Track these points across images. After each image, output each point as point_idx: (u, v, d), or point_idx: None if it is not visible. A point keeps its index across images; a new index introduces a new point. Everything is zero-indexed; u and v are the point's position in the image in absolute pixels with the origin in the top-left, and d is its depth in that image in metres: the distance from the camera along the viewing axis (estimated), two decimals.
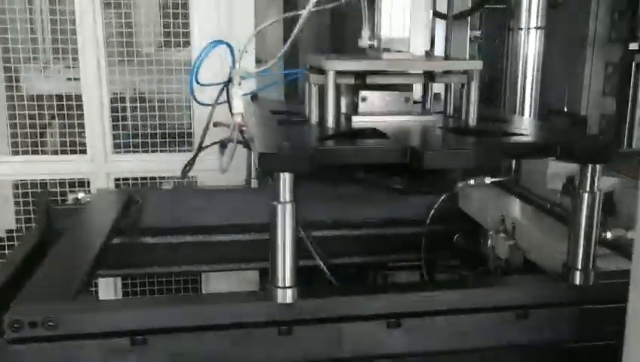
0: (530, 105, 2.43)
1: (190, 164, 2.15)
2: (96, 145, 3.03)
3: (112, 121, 3.05)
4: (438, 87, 2.14)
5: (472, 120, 1.75)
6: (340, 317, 1.41)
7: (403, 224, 2.37)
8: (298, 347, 1.41)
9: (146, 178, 3.10)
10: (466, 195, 2.30)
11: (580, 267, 1.49)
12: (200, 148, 2.02)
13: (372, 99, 1.84)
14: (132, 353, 1.35)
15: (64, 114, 3.05)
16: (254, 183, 2.42)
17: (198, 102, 1.99)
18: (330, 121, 1.67)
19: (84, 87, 2.98)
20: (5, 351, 1.30)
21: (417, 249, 2.33)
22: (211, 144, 2.19)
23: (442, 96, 1.98)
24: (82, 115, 3.02)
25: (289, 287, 1.39)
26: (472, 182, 2.21)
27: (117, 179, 3.10)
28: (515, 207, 2.07)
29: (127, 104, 3.13)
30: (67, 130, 3.07)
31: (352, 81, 1.75)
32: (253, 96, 2.36)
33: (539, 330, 1.47)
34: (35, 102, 2.99)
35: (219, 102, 1.90)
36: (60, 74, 3.11)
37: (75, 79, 3.03)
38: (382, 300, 1.44)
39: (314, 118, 1.77)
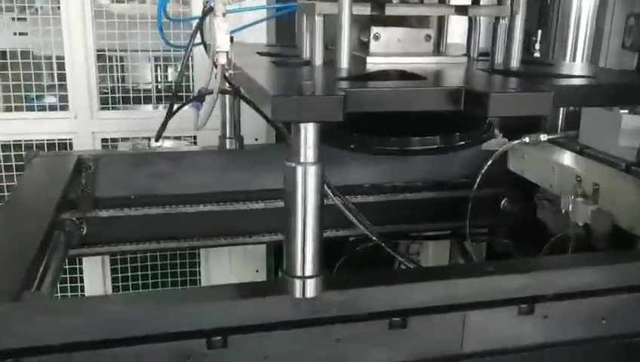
0: (582, 59, 2.11)
1: (164, 124, 1.76)
2: (80, 100, 2.59)
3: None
4: None
5: (516, 61, 1.41)
6: (380, 313, 1.07)
7: (445, 188, 2.16)
8: (321, 350, 1.07)
9: (138, 138, 2.67)
10: (518, 155, 2.05)
11: None
12: (172, 108, 1.63)
13: (387, 37, 1.49)
14: None
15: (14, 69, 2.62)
16: (230, 144, 2.04)
17: (168, 43, 1.60)
18: (344, 61, 1.30)
19: (65, 37, 2.54)
20: None
21: (459, 215, 2.07)
22: (187, 102, 1.80)
23: None
24: (40, 64, 2.59)
25: (311, 277, 1.04)
26: (526, 139, 1.93)
27: (104, 140, 2.65)
28: (591, 168, 1.81)
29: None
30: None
31: (367, 10, 1.39)
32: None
33: None
34: None
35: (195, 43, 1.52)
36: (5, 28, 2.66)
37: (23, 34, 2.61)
38: (427, 289, 1.12)
39: (318, 59, 1.39)
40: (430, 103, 1.06)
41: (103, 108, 2.65)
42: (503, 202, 2.22)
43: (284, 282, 1.05)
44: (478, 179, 2.07)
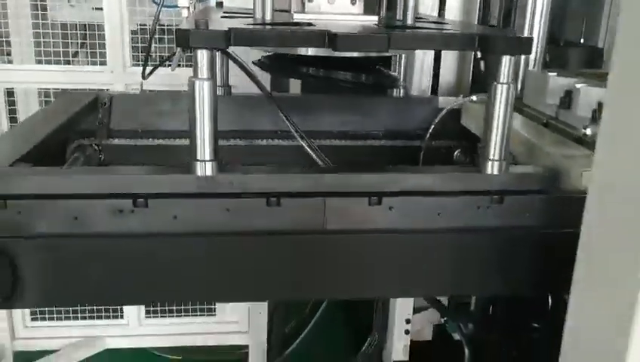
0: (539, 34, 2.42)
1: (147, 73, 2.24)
2: (116, 57, 3.16)
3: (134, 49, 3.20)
4: None
5: (410, 19, 1.78)
6: (260, 193, 1.50)
7: (405, 137, 2.50)
8: (216, 216, 1.50)
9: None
10: (468, 111, 2.39)
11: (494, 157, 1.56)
12: (147, 59, 2.10)
13: (318, 0, 1.89)
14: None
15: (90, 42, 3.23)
16: (220, 91, 2.48)
17: (154, 2, 2.05)
18: (268, 14, 1.72)
19: (105, 10, 3.10)
20: None
21: (416, 163, 2.42)
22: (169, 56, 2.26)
23: None
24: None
25: (209, 161, 1.48)
26: (474, 98, 2.30)
27: None
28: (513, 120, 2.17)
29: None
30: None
31: None
32: (218, 4, 2.40)
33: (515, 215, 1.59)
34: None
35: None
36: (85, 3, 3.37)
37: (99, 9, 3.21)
38: (298, 179, 1.53)
39: (258, 13, 1.81)
40: (300, 42, 1.47)
41: (134, 65, 3.18)
42: (456, 153, 2.56)
43: (191, 164, 1.49)
44: (430, 130, 2.44)
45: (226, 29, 1.39)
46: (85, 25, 3.45)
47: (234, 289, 1.56)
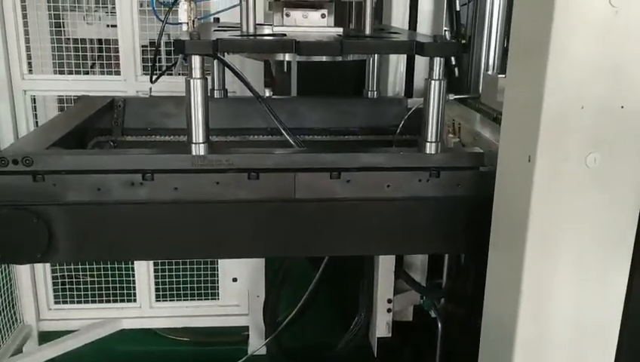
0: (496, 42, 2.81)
1: (157, 75, 2.64)
2: (129, 67, 3.58)
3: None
4: None
5: (368, 30, 2.17)
6: (243, 168, 1.88)
7: (379, 133, 2.85)
8: (208, 187, 1.89)
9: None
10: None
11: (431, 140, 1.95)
12: (154, 65, 2.50)
13: (294, 15, 2.28)
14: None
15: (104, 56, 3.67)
16: (218, 94, 2.88)
17: (159, 19, 2.46)
18: (251, 27, 2.11)
19: (119, 18, 3.53)
20: None
21: None
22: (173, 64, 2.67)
23: None
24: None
25: (202, 143, 1.88)
26: (450, 97, 2.66)
27: None
28: (466, 115, 2.52)
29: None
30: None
31: None
32: (216, 20, 2.80)
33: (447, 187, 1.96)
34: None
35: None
36: (100, 21, 3.80)
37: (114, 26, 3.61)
38: (273, 158, 1.92)
39: (244, 27, 2.20)
40: (273, 49, 1.86)
41: (144, 74, 3.60)
42: None
43: (187, 146, 1.88)
44: (400, 125, 2.82)
45: (214, 39, 1.79)
46: (101, 40, 3.88)
47: (222, 247, 1.95)
